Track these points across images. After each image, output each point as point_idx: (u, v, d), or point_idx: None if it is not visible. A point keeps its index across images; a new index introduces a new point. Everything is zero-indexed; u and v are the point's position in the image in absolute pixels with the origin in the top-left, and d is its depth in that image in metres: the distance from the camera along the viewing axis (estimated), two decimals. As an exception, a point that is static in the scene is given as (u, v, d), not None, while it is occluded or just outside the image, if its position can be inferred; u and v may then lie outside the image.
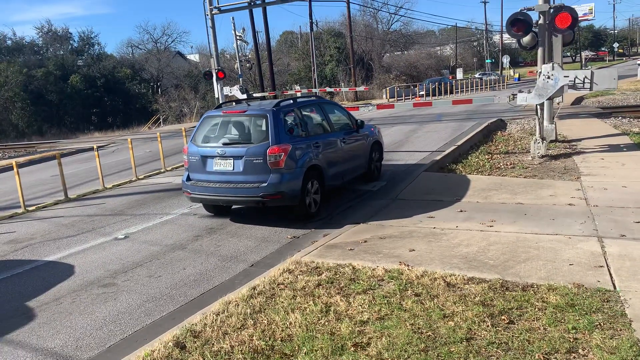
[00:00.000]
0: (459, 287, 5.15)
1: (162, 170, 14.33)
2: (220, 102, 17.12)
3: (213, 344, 4.45)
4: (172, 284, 6.27)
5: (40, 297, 6.18)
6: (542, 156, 11.68)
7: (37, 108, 51.87)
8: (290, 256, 6.56)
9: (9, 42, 57.97)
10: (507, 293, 4.92)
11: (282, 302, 5.13)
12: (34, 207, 11.10)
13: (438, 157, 12.25)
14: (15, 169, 11.02)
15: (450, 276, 5.40)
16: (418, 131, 18.48)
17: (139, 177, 13.59)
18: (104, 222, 9.45)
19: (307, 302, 5.07)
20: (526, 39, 11.96)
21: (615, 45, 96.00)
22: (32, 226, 9.63)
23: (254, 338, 4.45)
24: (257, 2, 19.36)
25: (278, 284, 5.60)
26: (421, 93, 45.87)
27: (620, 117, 18.30)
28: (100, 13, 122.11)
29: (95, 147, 13.72)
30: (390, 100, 41.60)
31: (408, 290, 5.16)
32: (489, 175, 10.53)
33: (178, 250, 7.50)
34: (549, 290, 4.90)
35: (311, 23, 44.16)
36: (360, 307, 4.87)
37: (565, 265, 5.53)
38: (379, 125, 13.30)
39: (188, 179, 8.66)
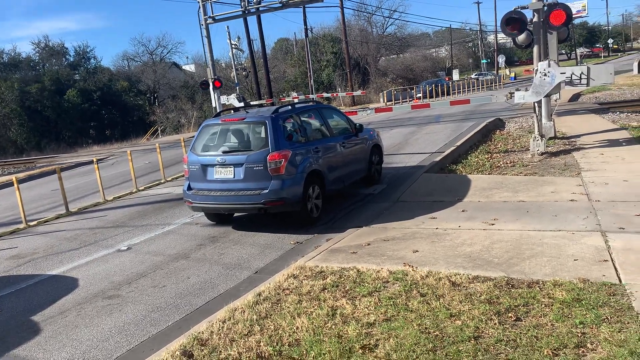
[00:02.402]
0: (464, 286, 5.14)
1: (162, 181, 14.33)
2: (218, 111, 17.13)
3: (220, 351, 4.44)
4: (177, 293, 6.26)
5: (45, 311, 6.17)
6: (542, 153, 11.69)
7: (35, 124, 52.06)
8: (294, 261, 6.56)
9: (5, 58, 58.09)
10: (512, 290, 4.92)
11: (288, 307, 5.13)
12: (35, 222, 11.10)
13: (438, 158, 12.25)
14: (15, 185, 11.02)
15: (455, 275, 5.40)
16: (417, 133, 18.50)
17: (140, 189, 13.58)
18: (106, 234, 9.45)
19: (313, 306, 5.06)
20: (521, 38, 12.02)
21: (610, 41, 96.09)
22: (34, 241, 9.62)
23: (262, 344, 4.44)
24: (252, 11, 19.40)
25: (283, 290, 5.59)
26: (418, 95, 45.89)
27: (618, 112, 18.35)
28: (95, 27, 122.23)
29: (95, 160, 13.71)
30: (388, 103, 41.63)
31: (413, 290, 5.15)
32: (489, 174, 10.54)
33: (182, 260, 7.49)
34: (554, 286, 4.89)
35: (306, 29, 44.31)
36: (366, 309, 4.86)
37: (570, 260, 5.53)
38: (378, 128, 13.31)
39: (189, 188, 8.66)
